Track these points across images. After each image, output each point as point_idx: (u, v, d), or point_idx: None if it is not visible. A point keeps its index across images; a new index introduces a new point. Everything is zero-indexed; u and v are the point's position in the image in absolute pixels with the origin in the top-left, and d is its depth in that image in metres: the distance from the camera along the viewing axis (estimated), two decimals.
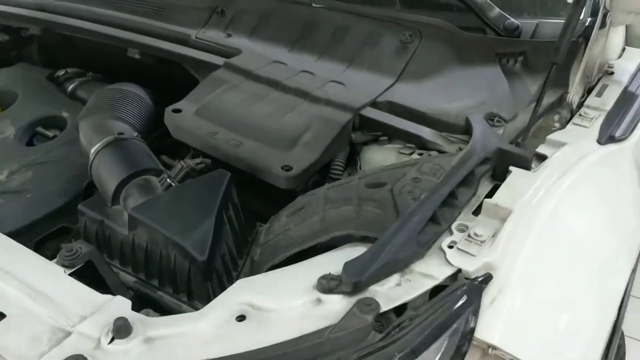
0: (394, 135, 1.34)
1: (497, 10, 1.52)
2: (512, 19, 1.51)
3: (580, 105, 1.49)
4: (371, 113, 1.35)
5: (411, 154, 1.30)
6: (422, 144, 1.29)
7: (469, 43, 1.49)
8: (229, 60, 1.53)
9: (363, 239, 1.03)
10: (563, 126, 1.43)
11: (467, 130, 1.31)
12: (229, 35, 1.68)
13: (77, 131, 1.43)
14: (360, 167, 1.37)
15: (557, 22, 1.59)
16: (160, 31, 1.74)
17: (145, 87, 1.67)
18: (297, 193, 1.24)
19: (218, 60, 1.58)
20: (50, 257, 1.31)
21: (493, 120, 1.32)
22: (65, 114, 1.66)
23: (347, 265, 0.91)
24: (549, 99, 1.44)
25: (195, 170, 1.22)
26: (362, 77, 1.47)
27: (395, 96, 1.40)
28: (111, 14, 1.85)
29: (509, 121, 1.33)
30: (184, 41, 1.71)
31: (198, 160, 1.23)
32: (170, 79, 1.80)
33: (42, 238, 1.32)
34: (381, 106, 1.38)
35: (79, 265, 1.03)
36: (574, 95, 1.48)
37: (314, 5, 1.64)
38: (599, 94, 1.54)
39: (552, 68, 1.28)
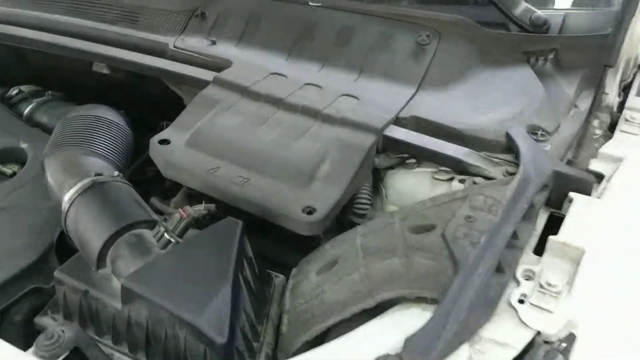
0: (424, 157, 1.15)
1: (522, 2, 1.33)
2: (539, 12, 1.33)
3: (620, 106, 1.34)
4: (396, 132, 1.16)
5: (450, 179, 1.11)
6: (461, 168, 1.10)
7: (493, 41, 1.30)
8: (219, 75, 1.30)
9: (417, 299, 0.85)
10: (605, 132, 1.27)
11: (509, 147, 1.13)
12: (213, 43, 1.44)
13: (43, 170, 1.19)
14: (386, 196, 1.18)
15: (586, 12, 1.44)
16: (132, 40, 1.50)
17: (118, 108, 1.43)
18: (318, 236, 1.05)
19: (205, 74, 1.35)
20: (23, 330, 1.09)
21: (537, 133, 1.15)
22: (23, 145, 1.41)
23: (409, 342, 0.74)
24: (586, 101, 1.28)
25: (197, 219, 1.00)
26: (377, 87, 1.27)
27: (420, 109, 1.20)
28: (71, 22, 1.59)
29: (552, 133, 1.16)
30: (161, 52, 1.47)
31: (200, 207, 1.01)
32: (145, 96, 1.56)
33: (7, 305, 1.08)
34: (405, 122, 1.19)
35: (63, 355, 0.82)
36: (614, 96, 1.32)
37: (310, 3, 1.42)
38: None
39: (604, 72, 1.11)
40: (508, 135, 1.14)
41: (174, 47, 1.46)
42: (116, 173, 1.12)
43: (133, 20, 1.57)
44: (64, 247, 1.13)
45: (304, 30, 1.39)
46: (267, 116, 1.19)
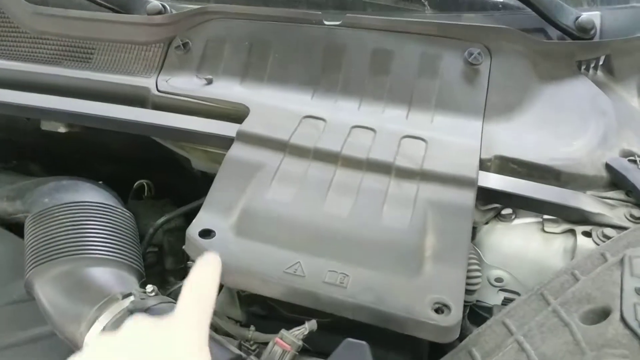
0: (522, 206, 0.97)
1: (564, 5, 1.18)
2: (585, 15, 1.19)
3: None
4: (487, 180, 0.96)
5: (567, 232, 0.94)
6: (579, 217, 0.93)
7: (546, 53, 1.14)
8: (244, 128, 1.01)
9: None
10: None
11: (612, 182, 0.98)
12: (209, 82, 1.13)
13: (30, 295, 0.84)
14: (484, 259, 0.98)
15: (622, 10, 1.32)
16: (98, 86, 1.14)
17: (91, 180, 1.09)
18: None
19: (217, 127, 1.05)
20: None
21: (635, 161, 1.01)
22: None
23: None
24: None
25: (299, 346, 0.73)
26: (438, 123, 1.06)
27: (499, 146, 1.01)
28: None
29: None
30: (140, 99, 1.13)
31: (301, 329, 0.74)
32: (110, 151, 1.22)
33: None
34: (489, 165, 0.99)
35: None
36: None
37: (326, 23, 1.16)
38: None
39: None
40: (609, 168, 0.99)
41: (158, 91, 1.13)
42: (150, 288, 0.81)
43: (85, 58, 1.21)
44: None
45: (328, 58, 1.13)
46: (328, 179, 0.94)
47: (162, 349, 0.54)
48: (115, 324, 0.75)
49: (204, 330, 0.59)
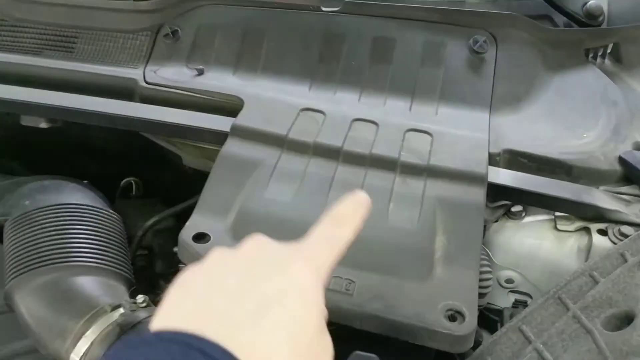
0: (533, 202, 0.92)
1: None
2: (594, 0, 1.14)
3: None
4: (497, 176, 0.91)
5: (581, 229, 0.89)
6: (593, 214, 0.88)
7: (553, 41, 1.09)
8: (239, 122, 0.95)
9: None
10: None
11: (626, 176, 0.94)
12: (201, 73, 1.07)
13: (10, 307, 0.78)
14: (494, 259, 0.94)
15: None
16: (82, 78, 1.07)
17: (76, 179, 1.03)
18: None
19: (209, 120, 0.99)
20: None
21: None
22: None
23: None
24: None
25: None
26: (443, 115, 1.00)
27: (508, 140, 0.96)
28: None
29: None
30: (127, 91, 1.07)
31: None
32: (92, 146, 1.16)
33: None
34: (499, 159, 0.94)
35: None
36: None
37: (324, 9, 1.09)
38: None
39: None
40: (623, 162, 0.94)
41: (146, 82, 1.06)
42: (141, 298, 0.76)
43: (67, 48, 1.13)
44: None
45: (326, 46, 1.07)
46: (329, 176, 0.88)
47: (278, 268, 0.48)
48: (104, 339, 0.69)
49: (328, 269, 0.52)
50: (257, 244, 0.53)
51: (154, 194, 1.23)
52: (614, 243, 0.84)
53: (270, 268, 0.48)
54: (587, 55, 1.11)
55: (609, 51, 1.14)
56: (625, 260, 0.78)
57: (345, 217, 0.57)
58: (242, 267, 0.49)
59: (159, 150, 1.12)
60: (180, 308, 0.45)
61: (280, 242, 0.54)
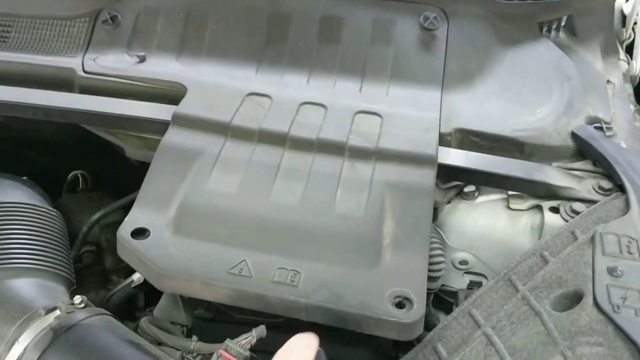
0: (485, 182, 0.90)
1: None
2: None
3: None
4: (448, 156, 0.89)
5: (533, 208, 0.88)
6: (545, 191, 0.87)
7: (507, 15, 1.06)
8: (180, 110, 0.91)
9: None
10: (637, 107, 1.13)
11: (579, 152, 0.93)
12: (142, 60, 1.02)
13: None
14: (447, 241, 0.92)
15: None
16: (17, 69, 1.02)
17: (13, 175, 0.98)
18: None
19: (150, 110, 0.95)
20: None
21: (601, 128, 0.95)
22: None
23: None
24: (616, 74, 1.12)
25: (246, 357, 0.66)
26: (393, 95, 0.98)
27: (459, 119, 0.94)
28: None
29: (611, 124, 0.97)
30: (66, 81, 1.02)
31: (248, 338, 0.67)
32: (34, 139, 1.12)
33: None
34: (450, 139, 0.92)
35: None
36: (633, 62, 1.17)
37: None
38: None
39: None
40: (575, 137, 0.93)
41: (85, 72, 1.01)
42: (78, 299, 0.72)
43: (9, 38, 1.07)
44: None
45: (273, 28, 1.03)
46: (275, 164, 0.85)
47: None
48: (37, 344, 0.66)
49: None
50: None
51: (102, 187, 1.18)
52: (566, 220, 0.83)
53: None
54: (541, 29, 1.09)
55: (563, 24, 1.12)
56: (576, 238, 0.77)
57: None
58: None
59: (105, 141, 1.07)
60: None
61: None
